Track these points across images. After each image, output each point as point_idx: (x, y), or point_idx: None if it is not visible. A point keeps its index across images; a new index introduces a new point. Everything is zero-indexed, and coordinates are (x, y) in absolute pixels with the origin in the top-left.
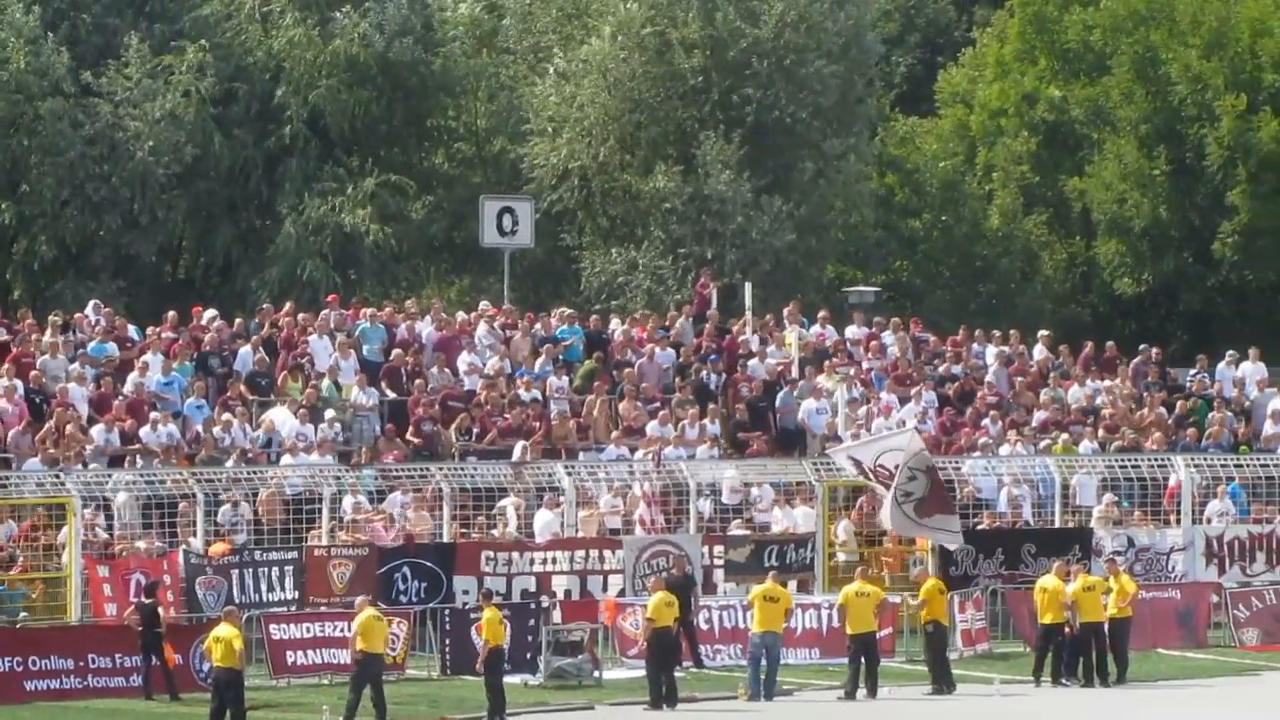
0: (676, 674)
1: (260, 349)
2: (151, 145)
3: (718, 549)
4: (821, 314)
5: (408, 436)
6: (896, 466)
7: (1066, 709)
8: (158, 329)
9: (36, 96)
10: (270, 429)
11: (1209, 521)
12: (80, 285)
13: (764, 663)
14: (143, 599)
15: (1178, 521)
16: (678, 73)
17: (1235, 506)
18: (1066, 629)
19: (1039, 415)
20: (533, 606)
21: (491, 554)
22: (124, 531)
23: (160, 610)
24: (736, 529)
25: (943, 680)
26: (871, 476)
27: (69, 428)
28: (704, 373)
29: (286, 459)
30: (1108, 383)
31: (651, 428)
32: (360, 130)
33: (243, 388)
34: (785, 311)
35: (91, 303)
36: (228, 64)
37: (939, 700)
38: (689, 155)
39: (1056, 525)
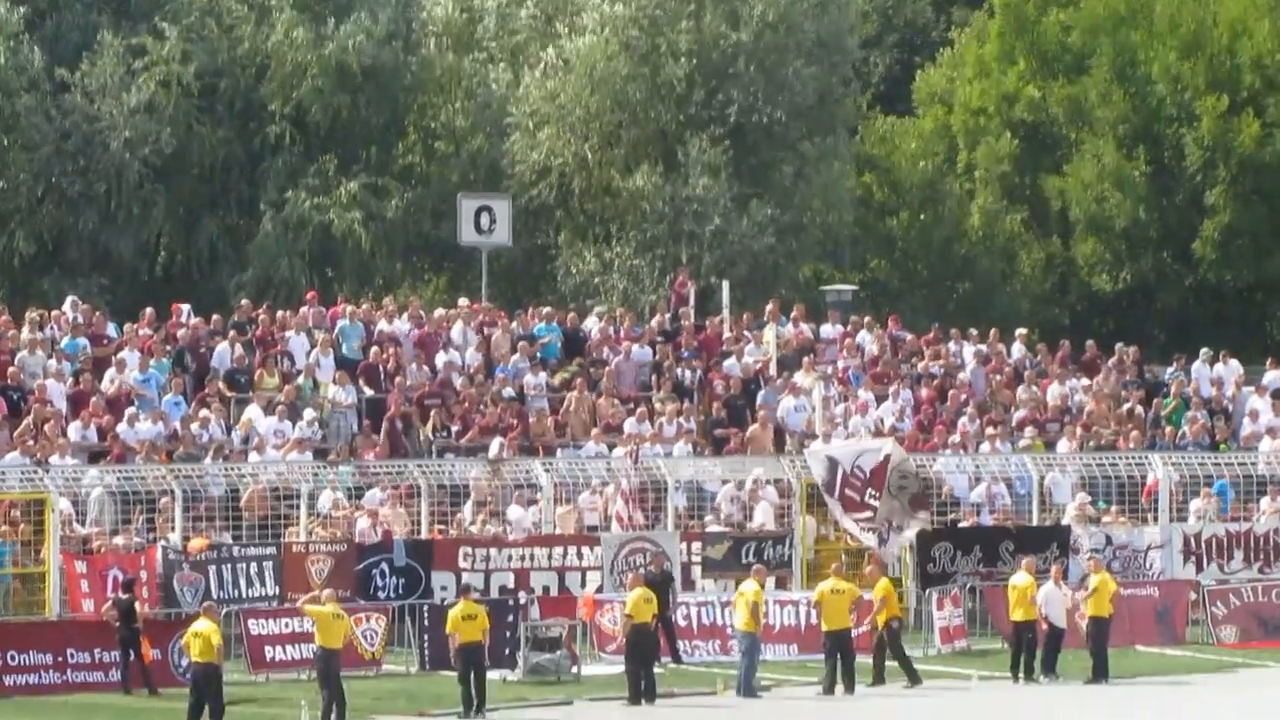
0: (655, 670)
1: (238, 346)
2: (127, 136)
3: (695, 546)
4: (794, 313)
5: (385, 433)
6: (874, 470)
7: (1042, 705)
8: (135, 325)
9: (14, 92)
10: (248, 427)
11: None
12: (64, 282)
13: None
14: (120, 595)
15: (1155, 519)
16: (663, 77)
17: (1224, 504)
18: (1041, 625)
19: (1016, 414)
20: (511, 603)
21: (469, 550)
22: (102, 527)
23: (137, 606)
24: (713, 526)
25: (911, 675)
26: (838, 486)
27: (47, 424)
28: (681, 370)
29: (254, 456)
30: (1085, 381)
31: (629, 425)
32: (341, 129)
33: (221, 384)
34: (767, 310)
35: (69, 299)
36: (213, 58)
37: (917, 696)
38: (670, 156)
39: (1034, 523)
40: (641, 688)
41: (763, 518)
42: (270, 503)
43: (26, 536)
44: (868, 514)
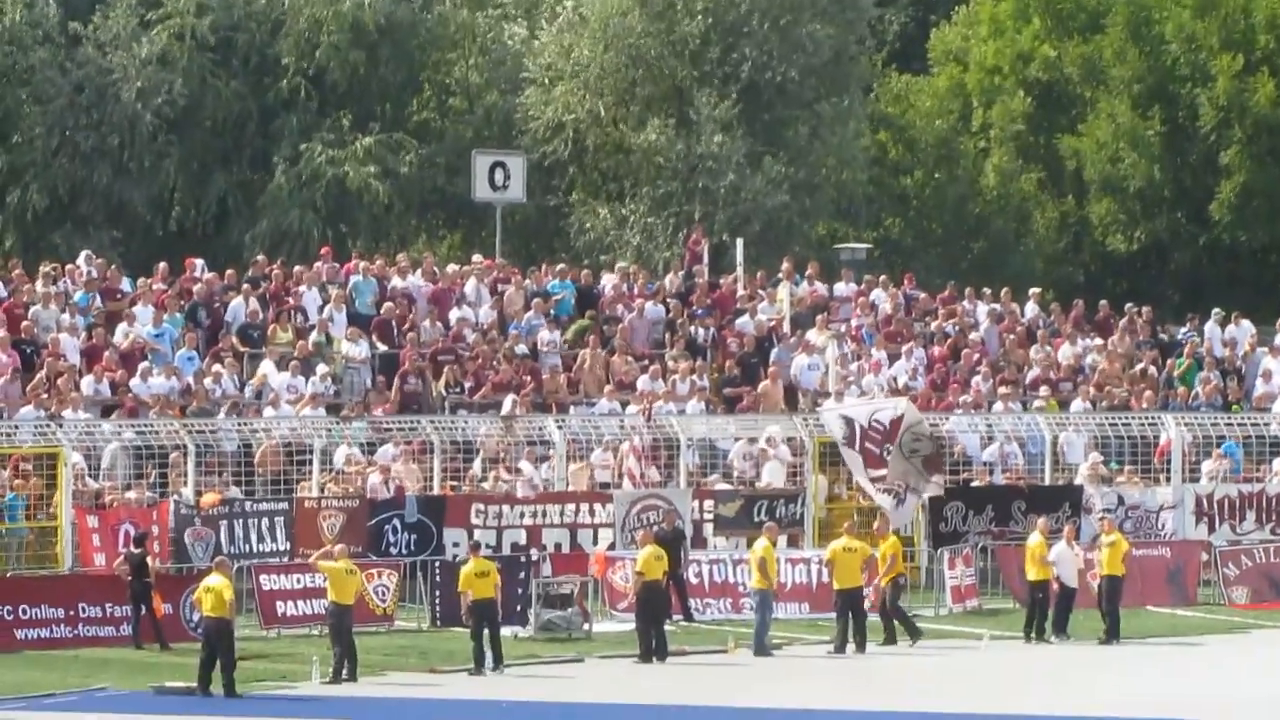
0: (666, 628)
1: (252, 300)
2: (139, 86)
3: (708, 504)
4: (809, 270)
5: (397, 389)
6: (892, 422)
7: (1051, 665)
8: (149, 280)
9: (29, 46)
10: (262, 382)
11: (1210, 479)
12: (76, 235)
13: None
14: (131, 549)
15: (1168, 480)
16: (677, 34)
17: (1233, 463)
18: (1054, 584)
19: (1029, 373)
20: (523, 559)
21: (481, 507)
22: (115, 482)
23: (149, 560)
24: (721, 484)
25: (912, 630)
26: (858, 440)
27: (60, 379)
28: (694, 328)
29: (269, 411)
30: (1098, 341)
31: (642, 382)
32: (356, 86)
33: (234, 339)
34: (784, 269)
35: (83, 253)
36: (228, 13)
37: (927, 655)
38: (684, 113)
39: (1047, 483)
40: (652, 645)
41: (770, 477)
42: (283, 458)
43: (39, 490)
44: (885, 471)
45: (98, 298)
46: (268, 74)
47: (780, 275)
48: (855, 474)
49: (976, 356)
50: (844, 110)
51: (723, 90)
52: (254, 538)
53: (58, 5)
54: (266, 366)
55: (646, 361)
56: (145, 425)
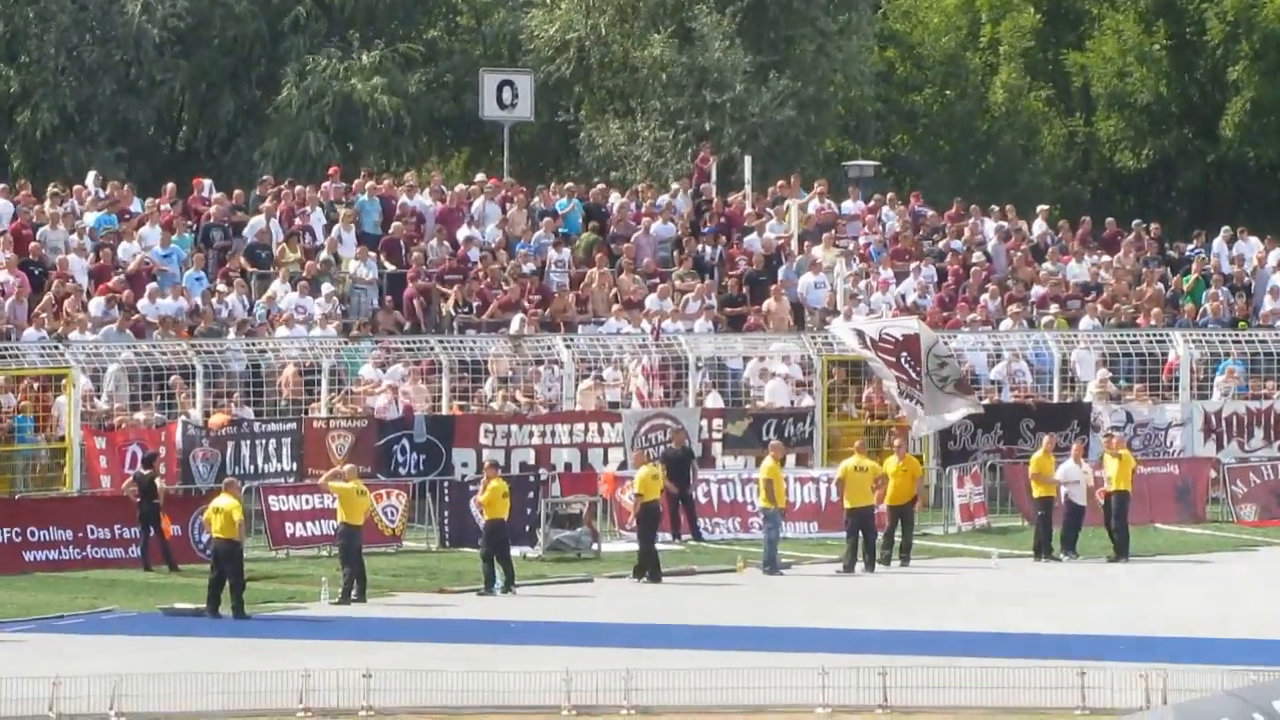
0: (674, 546)
1: (271, 220)
2: (144, 2)
3: (716, 423)
4: (818, 188)
5: (405, 309)
6: (905, 338)
7: (1059, 582)
8: (156, 200)
9: None
10: (271, 302)
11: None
12: (80, 150)
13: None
14: (140, 470)
15: (1176, 397)
16: None
17: (1240, 378)
18: (1059, 502)
19: (1037, 290)
20: (532, 479)
21: (490, 427)
22: (122, 403)
23: (157, 482)
24: (720, 402)
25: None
26: (873, 349)
27: (68, 300)
28: (701, 246)
29: (282, 330)
30: (1106, 258)
31: (650, 301)
32: (363, 10)
33: (242, 260)
34: (779, 184)
35: (91, 174)
36: None
37: (938, 574)
38: (686, 27)
39: (1055, 400)
40: (659, 564)
41: (772, 396)
42: (291, 379)
43: (46, 412)
44: (904, 376)
45: (116, 219)
46: None
47: (778, 190)
48: (880, 375)
49: (984, 274)
50: (850, 27)
51: (724, 4)
52: (260, 458)
53: None
54: (276, 286)
55: (655, 280)
56: (153, 346)
